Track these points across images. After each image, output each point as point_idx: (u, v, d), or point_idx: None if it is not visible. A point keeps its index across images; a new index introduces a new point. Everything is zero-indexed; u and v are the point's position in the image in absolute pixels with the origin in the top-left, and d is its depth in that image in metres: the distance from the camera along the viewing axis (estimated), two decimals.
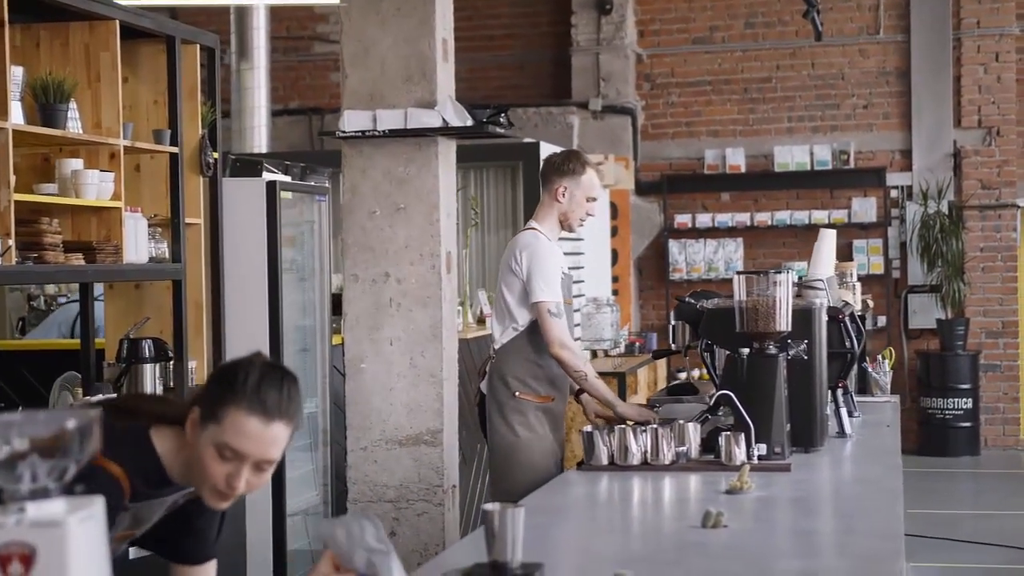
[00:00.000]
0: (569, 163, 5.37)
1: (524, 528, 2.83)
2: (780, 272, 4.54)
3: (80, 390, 5.64)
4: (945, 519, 9.72)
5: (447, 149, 5.81)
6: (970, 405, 12.56)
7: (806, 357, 4.64)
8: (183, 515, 2.91)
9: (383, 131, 5.63)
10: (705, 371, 5.15)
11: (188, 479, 2.77)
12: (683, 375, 10.83)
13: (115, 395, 5.32)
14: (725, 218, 13.19)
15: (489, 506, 2.81)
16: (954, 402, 12.53)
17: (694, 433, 4.43)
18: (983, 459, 12.55)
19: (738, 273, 4.59)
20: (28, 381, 6.58)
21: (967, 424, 12.58)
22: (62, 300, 8.64)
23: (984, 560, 8.44)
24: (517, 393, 5.28)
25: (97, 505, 1.84)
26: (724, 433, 4.33)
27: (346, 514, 2.55)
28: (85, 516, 1.81)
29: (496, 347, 5.38)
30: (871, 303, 10.98)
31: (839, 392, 5.18)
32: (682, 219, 13.27)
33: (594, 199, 5.40)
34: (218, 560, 3.09)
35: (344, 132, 5.68)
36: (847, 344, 5.12)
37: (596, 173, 5.43)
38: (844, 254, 12.55)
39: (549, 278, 5.20)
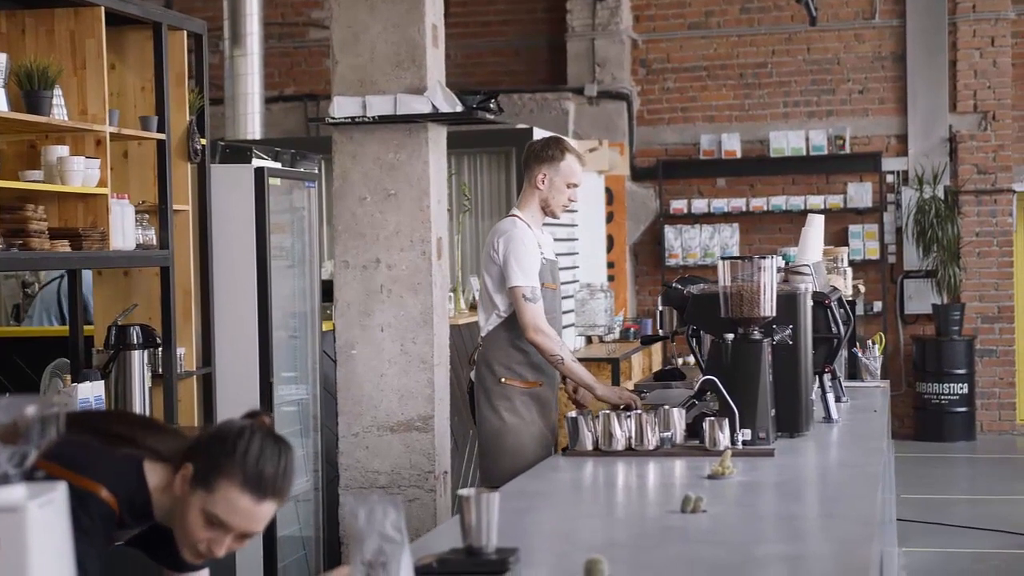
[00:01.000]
0: (548, 149, 5.39)
1: (503, 513, 2.84)
2: (765, 258, 4.53)
3: (69, 376, 5.64)
4: (940, 504, 9.73)
5: (437, 135, 5.81)
6: (966, 390, 12.57)
7: (791, 342, 4.65)
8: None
9: (373, 117, 5.63)
10: (693, 356, 5.15)
11: (170, 523, 2.77)
12: (679, 361, 10.83)
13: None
14: (721, 204, 13.19)
15: (464, 492, 2.82)
16: (950, 387, 12.54)
17: (679, 419, 4.43)
18: (979, 444, 12.56)
19: (723, 258, 4.59)
20: (20, 368, 6.58)
21: (963, 409, 12.59)
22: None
23: (978, 545, 8.45)
24: (503, 379, 5.30)
25: (58, 490, 1.84)
26: (708, 418, 4.34)
27: (375, 494, 2.56)
28: (45, 501, 1.81)
29: (482, 335, 5.41)
30: (862, 288, 10.97)
31: (826, 377, 5.18)
32: (678, 205, 13.27)
33: (575, 185, 5.41)
34: None
35: (334, 118, 5.68)
36: (833, 329, 5.12)
37: (577, 159, 5.43)
38: (840, 239, 12.56)
39: (524, 264, 5.22)
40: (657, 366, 11.25)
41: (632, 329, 11.13)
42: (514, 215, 5.40)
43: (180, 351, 5.95)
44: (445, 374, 5.84)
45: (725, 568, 2.93)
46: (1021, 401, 13.26)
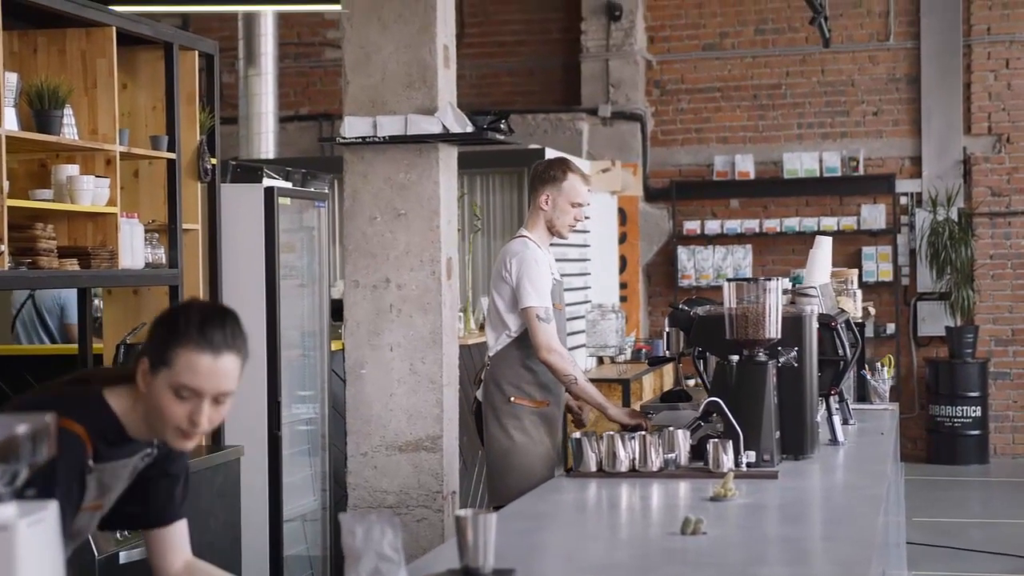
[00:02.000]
0: (551, 170, 5.45)
1: (505, 534, 2.85)
2: (770, 279, 4.53)
3: None
4: (952, 527, 9.69)
5: (448, 155, 5.83)
6: (979, 413, 12.52)
7: (796, 364, 4.64)
8: (144, 481, 2.99)
9: (384, 137, 5.65)
10: (699, 378, 5.15)
11: (148, 431, 2.85)
12: (691, 382, 10.82)
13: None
14: (734, 225, 13.18)
15: (461, 512, 2.82)
16: (963, 410, 12.49)
17: (683, 440, 4.43)
18: (992, 467, 12.51)
19: (728, 280, 4.59)
20: (31, 385, 6.61)
21: (976, 432, 12.54)
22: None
23: (990, 569, 8.41)
24: (512, 399, 5.33)
25: (49, 509, 1.85)
26: (712, 440, 4.33)
27: (374, 513, 2.57)
28: (35, 520, 1.82)
29: (490, 354, 5.44)
30: (872, 310, 10.94)
31: (832, 400, 5.16)
32: (691, 226, 13.27)
33: (579, 204, 5.45)
34: (213, 563, 3.18)
35: (344, 138, 5.70)
36: (840, 351, 5.11)
37: (581, 179, 5.47)
38: (853, 261, 12.54)
39: (538, 284, 5.26)
40: (669, 387, 11.23)
41: (644, 350, 11.13)
42: (524, 236, 5.44)
43: None
44: (454, 394, 5.84)
45: None
46: None
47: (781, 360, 4.58)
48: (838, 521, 3.75)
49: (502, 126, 5.90)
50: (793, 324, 4.65)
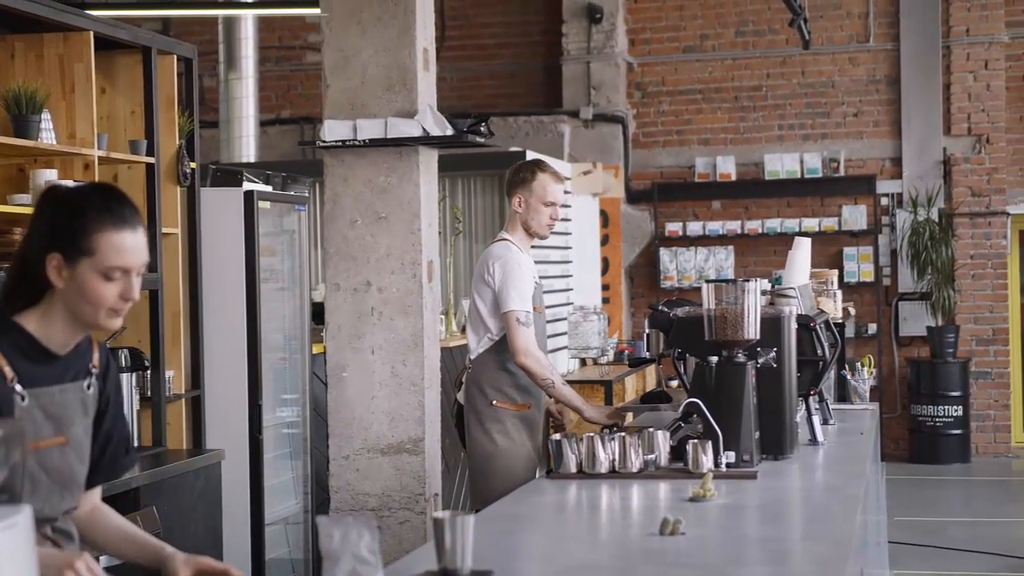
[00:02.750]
0: (520, 172, 5.54)
1: (484, 536, 2.85)
2: (749, 281, 4.55)
3: None
4: (934, 526, 9.73)
5: (428, 158, 5.83)
6: (960, 412, 12.57)
7: (775, 365, 4.66)
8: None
9: (364, 140, 5.65)
10: (678, 379, 5.16)
11: (72, 327, 2.81)
12: (674, 383, 10.83)
13: None
14: (716, 226, 13.21)
15: (439, 514, 2.83)
16: (944, 409, 12.53)
17: (663, 441, 4.43)
18: (973, 466, 12.55)
19: (707, 281, 4.61)
20: None
21: (958, 431, 12.59)
22: None
23: (972, 567, 8.44)
24: (494, 402, 5.36)
25: (22, 514, 1.85)
26: (692, 441, 4.34)
27: (351, 515, 2.57)
28: (8, 525, 1.82)
29: (472, 357, 5.48)
30: (852, 311, 10.98)
31: (812, 400, 5.18)
32: (673, 227, 13.29)
33: (552, 203, 5.49)
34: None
35: (324, 141, 5.70)
36: (819, 352, 5.12)
37: (552, 177, 5.53)
38: (834, 262, 12.57)
39: (520, 288, 5.31)
40: (651, 388, 11.25)
41: (627, 351, 11.14)
42: (505, 239, 5.49)
43: (169, 374, 5.97)
44: (436, 397, 5.84)
45: None
46: (1016, 423, 13.26)
47: (760, 361, 4.60)
48: (816, 521, 3.76)
49: (482, 129, 5.91)
50: (772, 325, 4.66)
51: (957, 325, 12.77)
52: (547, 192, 5.47)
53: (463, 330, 8.70)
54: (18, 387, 2.74)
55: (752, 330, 4.50)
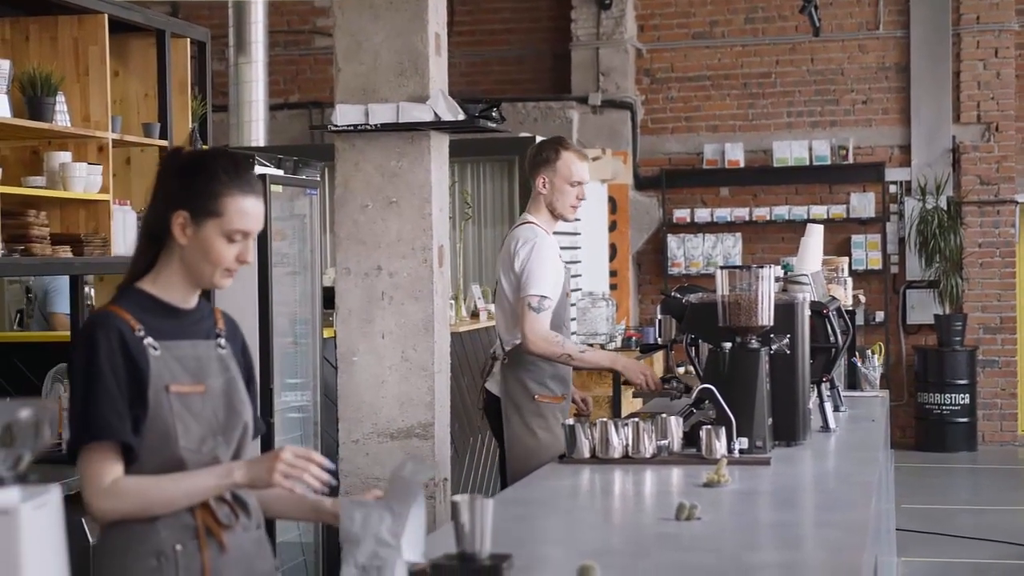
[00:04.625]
0: (542, 152, 5.38)
1: (499, 520, 2.86)
2: (763, 267, 4.54)
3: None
4: (941, 514, 9.74)
5: (439, 143, 5.82)
6: (967, 400, 12.57)
7: (788, 351, 4.66)
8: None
9: (375, 125, 5.64)
10: (691, 365, 5.15)
11: (186, 290, 2.96)
12: (681, 369, 10.83)
13: None
14: (724, 213, 13.21)
15: (458, 498, 2.83)
16: (951, 397, 12.54)
17: (676, 427, 4.44)
18: (980, 454, 12.57)
19: (721, 267, 4.60)
20: (22, 372, 6.60)
21: (964, 420, 12.59)
22: None
23: (978, 555, 8.45)
24: (536, 396, 5.25)
25: (52, 493, 1.86)
26: (705, 427, 4.35)
27: (373, 500, 2.59)
28: (39, 504, 1.83)
29: (507, 348, 5.32)
30: (863, 298, 10.99)
31: (823, 386, 5.18)
32: (681, 214, 13.29)
33: (578, 183, 5.35)
34: None
35: (336, 126, 5.69)
36: (831, 339, 5.13)
37: (577, 156, 5.37)
38: (842, 249, 12.57)
39: (541, 273, 5.18)
40: (659, 374, 11.25)
41: (634, 338, 11.14)
42: (530, 222, 5.36)
43: None
44: (446, 382, 5.84)
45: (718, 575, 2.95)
46: (1022, 412, 13.26)
47: (773, 347, 4.60)
48: (831, 508, 3.76)
49: (494, 114, 5.89)
50: (785, 311, 4.66)
51: (965, 313, 12.76)
52: (572, 171, 5.34)
53: (473, 315, 8.71)
54: (148, 339, 2.88)
55: (766, 316, 4.50)
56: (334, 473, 2.86)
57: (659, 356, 11.40)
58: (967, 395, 12.56)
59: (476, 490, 7.77)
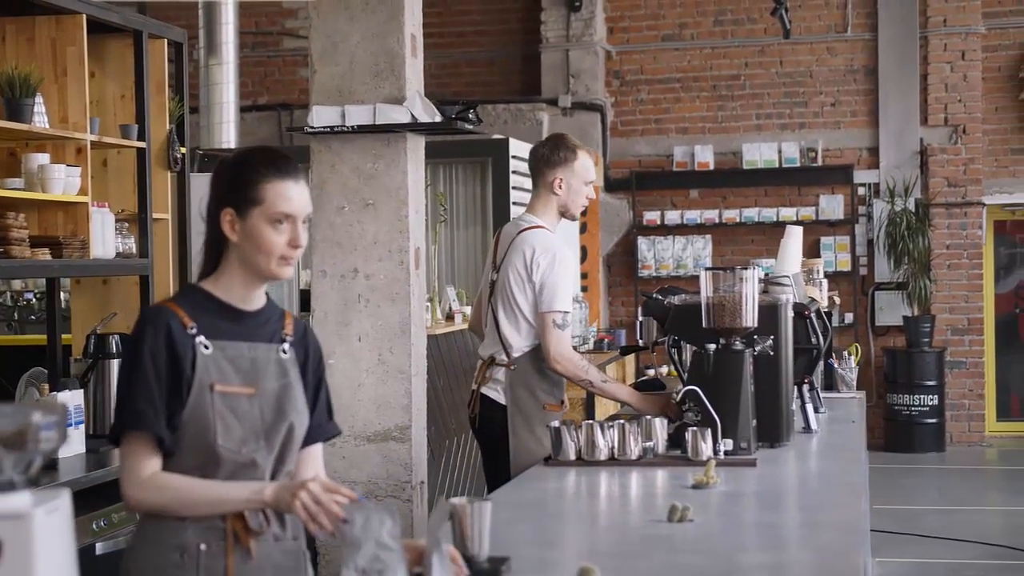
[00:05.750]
0: (559, 152, 5.12)
1: (491, 522, 2.85)
2: (747, 269, 4.56)
3: (47, 386, 5.61)
4: (911, 514, 9.79)
5: (416, 145, 5.81)
6: (936, 401, 12.65)
7: (772, 353, 4.67)
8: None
9: (351, 127, 5.62)
10: (673, 367, 5.15)
11: (249, 287, 3.00)
12: (651, 372, 10.86)
13: None
14: (694, 215, 13.24)
15: (457, 500, 2.82)
16: (920, 398, 12.62)
17: (661, 429, 4.44)
18: (948, 455, 12.64)
19: (705, 269, 4.61)
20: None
21: (933, 420, 12.67)
22: (28, 296, 8.59)
23: (949, 555, 8.50)
24: (546, 405, 5.08)
25: (63, 498, 1.84)
26: (691, 429, 4.35)
27: (373, 502, 2.57)
28: (51, 508, 1.81)
29: (514, 354, 5.07)
30: (838, 300, 11.03)
31: (805, 388, 5.20)
32: (651, 216, 13.31)
33: (591, 182, 5.20)
34: None
35: (312, 128, 5.67)
36: (813, 340, 5.14)
37: (588, 155, 5.20)
38: (812, 251, 12.62)
39: (564, 288, 4.99)
40: (631, 376, 11.29)
41: (606, 340, 11.16)
42: (540, 226, 5.14)
43: None
44: (422, 384, 5.83)
45: None
46: (990, 412, 13.36)
47: (757, 348, 4.61)
48: (823, 509, 3.77)
49: (471, 116, 5.89)
50: (769, 313, 4.68)
51: (933, 315, 12.84)
52: (587, 171, 5.16)
53: (448, 318, 8.69)
54: (200, 338, 2.93)
55: (750, 318, 4.52)
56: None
57: (630, 358, 11.43)
58: (935, 396, 12.64)
59: (453, 493, 7.76)
